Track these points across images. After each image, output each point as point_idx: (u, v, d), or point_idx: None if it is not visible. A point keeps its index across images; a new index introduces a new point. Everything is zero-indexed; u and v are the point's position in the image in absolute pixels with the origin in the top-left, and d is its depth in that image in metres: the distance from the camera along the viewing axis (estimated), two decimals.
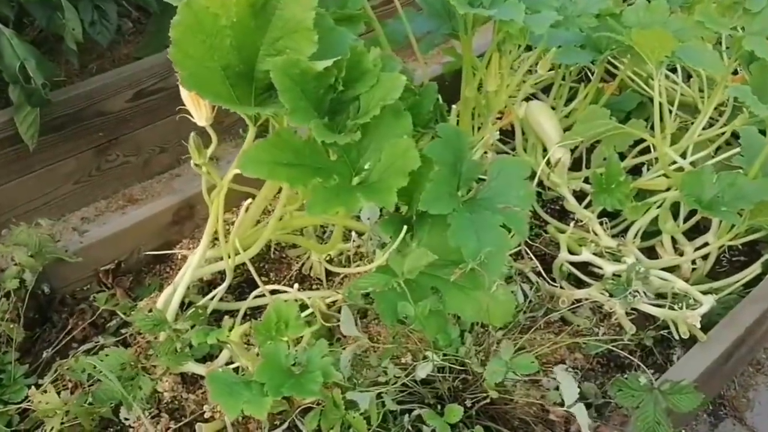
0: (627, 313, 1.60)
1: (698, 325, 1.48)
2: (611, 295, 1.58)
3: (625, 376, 1.46)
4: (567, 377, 1.31)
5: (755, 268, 1.69)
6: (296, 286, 1.56)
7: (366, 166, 1.31)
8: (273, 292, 1.57)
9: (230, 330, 1.36)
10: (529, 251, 1.85)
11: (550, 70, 1.90)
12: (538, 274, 1.82)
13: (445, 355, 1.34)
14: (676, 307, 1.55)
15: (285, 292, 1.56)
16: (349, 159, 1.32)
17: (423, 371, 1.30)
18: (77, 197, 2.12)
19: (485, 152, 1.92)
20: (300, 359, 1.22)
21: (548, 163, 1.90)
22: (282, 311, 1.30)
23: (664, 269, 1.72)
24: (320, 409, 1.26)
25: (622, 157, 1.94)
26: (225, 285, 1.58)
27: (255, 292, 1.62)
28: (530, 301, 1.64)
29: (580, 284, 1.79)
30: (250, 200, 1.48)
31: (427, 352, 1.32)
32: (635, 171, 1.98)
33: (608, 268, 1.68)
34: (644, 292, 1.54)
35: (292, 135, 1.28)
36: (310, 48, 1.24)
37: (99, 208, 2.17)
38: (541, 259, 1.84)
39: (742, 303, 1.55)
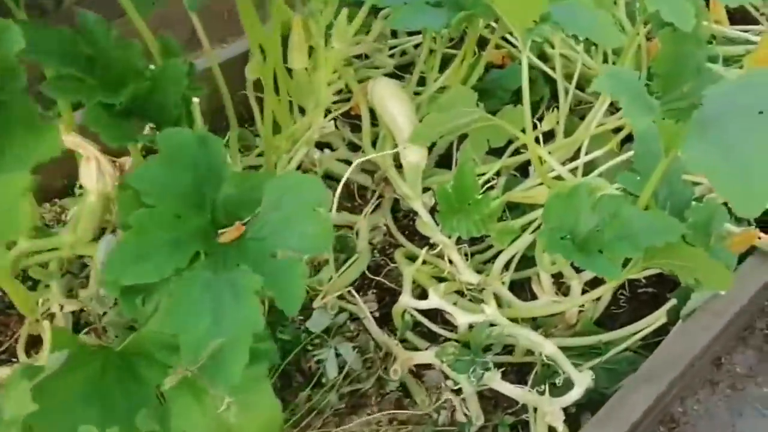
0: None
1: (559, 427, 1.03)
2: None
3: None
4: None
5: (658, 316, 1.23)
6: None
7: None
8: None
9: None
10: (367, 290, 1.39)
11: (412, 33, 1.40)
12: (379, 321, 1.35)
13: None
14: (544, 385, 1.09)
15: None
16: None
17: None
18: None
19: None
20: None
21: (399, 165, 1.41)
22: None
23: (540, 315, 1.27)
24: None
25: (500, 153, 1.45)
26: None
27: None
28: (346, 374, 1.18)
29: (433, 337, 1.33)
30: None
31: None
32: (524, 172, 1.50)
33: (461, 318, 1.22)
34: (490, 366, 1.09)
35: None
36: None
37: None
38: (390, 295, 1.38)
39: (631, 382, 1.09)
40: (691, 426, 1.47)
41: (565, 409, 1.07)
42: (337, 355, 1.19)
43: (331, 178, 1.61)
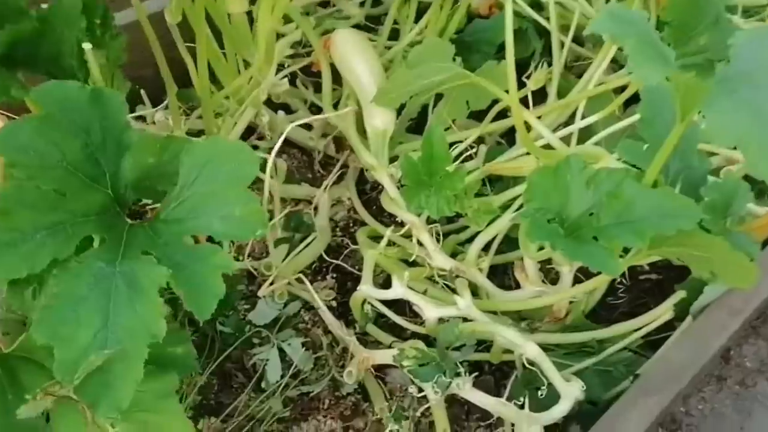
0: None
1: None
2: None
3: None
4: None
5: (663, 311, 1.05)
6: None
7: None
8: None
9: None
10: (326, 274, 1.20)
11: None
12: (338, 310, 1.17)
13: None
14: (524, 395, 0.91)
15: None
16: None
17: None
18: None
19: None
20: None
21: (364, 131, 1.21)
22: None
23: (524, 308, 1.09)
24: None
25: (480, 117, 1.25)
26: None
27: None
28: (295, 374, 1.00)
29: (399, 331, 1.15)
30: None
31: None
32: (512, 139, 1.31)
33: (430, 312, 1.03)
34: (461, 371, 0.90)
35: None
36: None
37: None
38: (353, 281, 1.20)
39: (629, 394, 0.91)
40: (694, 428, 1.29)
41: None
42: (282, 353, 1.01)
43: (292, 145, 1.41)
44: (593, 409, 1.01)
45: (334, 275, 1.22)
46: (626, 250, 0.90)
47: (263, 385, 1.01)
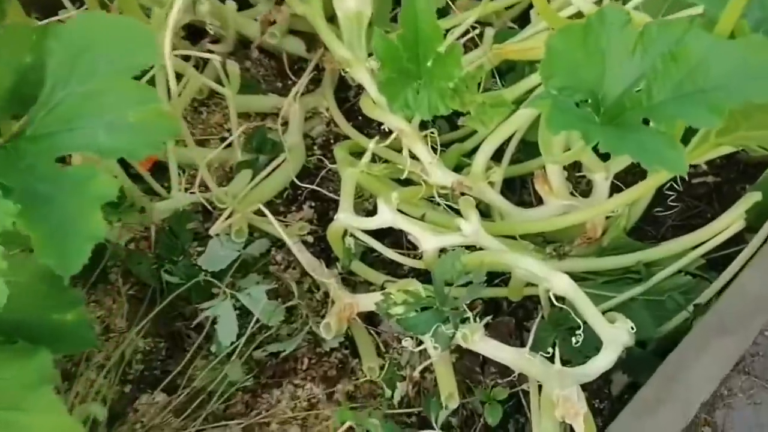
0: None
1: (581, 426, 0.61)
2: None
3: None
4: None
5: (730, 221, 0.81)
6: None
7: None
8: None
9: None
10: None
11: None
12: (318, 247, 0.95)
13: None
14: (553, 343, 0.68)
15: None
16: None
17: None
18: None
19: None
20: None
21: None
22: None
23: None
24: None
25: None
26: None
27: None
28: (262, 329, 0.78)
29: (395, 269, 0.93)
30: None
31: None
32: (525, 21, 1.03)
33: (427, 241, 0.80)
34: (468, 316, 0.68)
35: None
36: None
37: None
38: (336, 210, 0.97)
39: (695, 334, 0.67)
40: (760, 358, 1.07)
41: None
42: (238, 306, 0.79)
43: (260, 52, 1.16)
44: (642, 353, 0.79)
45: (313, 204, 0.99)
46: (684, 140, 0.65)
47: (214, 348, 0.79)
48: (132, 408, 0.79)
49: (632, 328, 0.66)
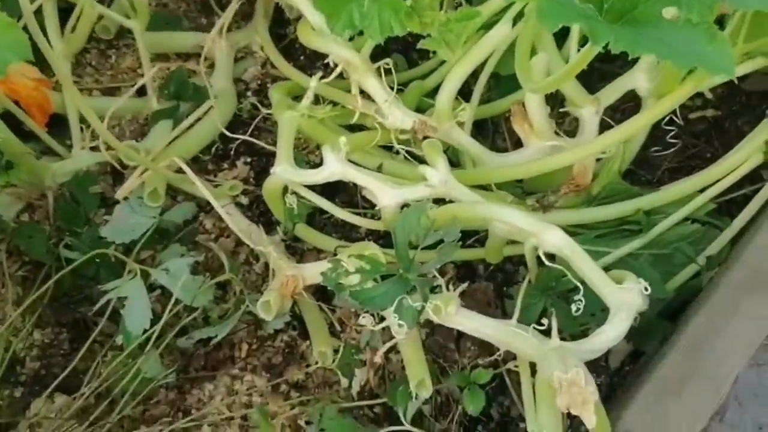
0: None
1: (591, 417, 0.48)
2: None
3: None
4: None
5: (744, 156, 0.68)
6: None
7: None
8: None
9: None
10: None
11: None
12: (255, 209, 0.79)
13: None
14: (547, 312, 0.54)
15: None
16: None
17: None
18: None
19: None
20: None
21: None
22: None
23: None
24: None
25: None
26: None
27: None
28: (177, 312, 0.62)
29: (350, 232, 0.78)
30: None
31: None
32: None
33: (384, 195, 0.65)
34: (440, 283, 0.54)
35: None
36: None
37: None
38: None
39: (723, 296, 0.54)
40: None
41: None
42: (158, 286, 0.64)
43: None
44: (648, 314, 0.66)
45: (248, 160, 0.83)
46: None
47: (120, 338, 0.63)
48: (25, 415, 0.63)
49: (646, 289, 0.52)
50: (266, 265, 0.74)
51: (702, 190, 0.71)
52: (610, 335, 0.50)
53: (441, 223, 0.57)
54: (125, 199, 0.71)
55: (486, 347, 0.66)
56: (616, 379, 0.71)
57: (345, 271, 0.55)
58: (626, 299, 0.51)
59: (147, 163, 0.71)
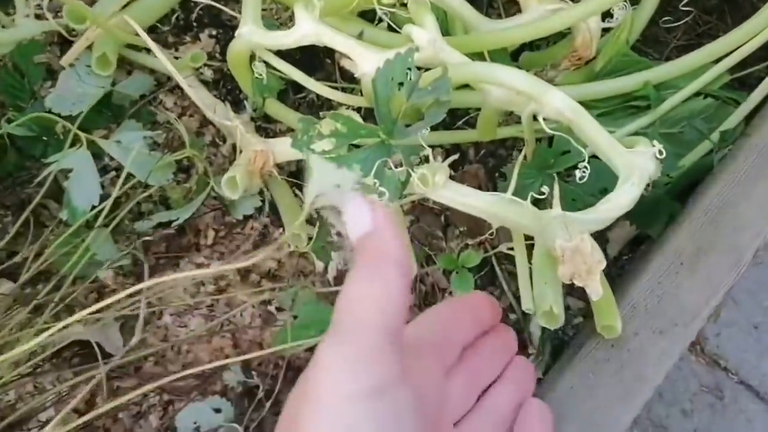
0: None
1: (597, 287, 0.42)
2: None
3: None
4: None
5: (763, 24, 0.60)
6: None
7: None
8: None
9: None
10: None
11: None
12: (222, 85, 0.71)
13: None
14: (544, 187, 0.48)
15: None
16: None
17: None
18: None
19: None
20: None
21: None
22: None
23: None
24: None
25: None
26: None
27: None
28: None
29: (326, 111, 0.71)
30: None
31: None
32: None
33: (366, 62, 0.57)
34: (427, 152, 0.47)
35: None
36: None
37: None
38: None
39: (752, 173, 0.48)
40: None
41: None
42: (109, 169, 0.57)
43: None
44: (653, 194, 0.60)
45: (214, 32, 0.74)
46: None
47: (64, 214, 0.57)
48: None
49: (660, 152, 0.46)
50: (234, 146, 0.67)
51: (716, 62, 0.64)
52: (619, 201, 0.44)
53: (429, 82, 0.50)
54: (71, 65, 0.62)
55: (475, 233, 0.61)
56: (615, 270, 0.66)
57: (318, 133, 0.47)
58: (638, 162, 0.45)
59: (96, 21, 0.63)
